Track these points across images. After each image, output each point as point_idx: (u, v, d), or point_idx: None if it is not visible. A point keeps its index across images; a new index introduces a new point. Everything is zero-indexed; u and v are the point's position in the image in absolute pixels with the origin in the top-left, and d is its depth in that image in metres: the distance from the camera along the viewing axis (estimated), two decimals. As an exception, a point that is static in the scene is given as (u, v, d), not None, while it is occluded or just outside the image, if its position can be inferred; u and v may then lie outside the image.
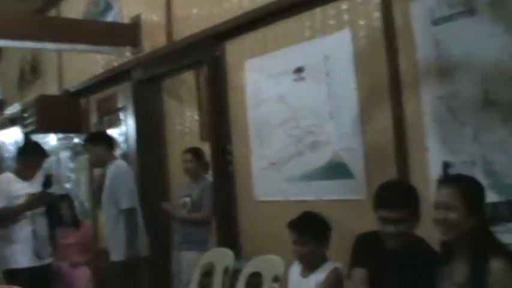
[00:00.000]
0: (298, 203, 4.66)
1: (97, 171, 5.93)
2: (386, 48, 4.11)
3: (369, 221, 3.42)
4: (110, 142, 5.70)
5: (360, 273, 3.27)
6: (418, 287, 2.95)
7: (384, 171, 4.01)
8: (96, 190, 5.61)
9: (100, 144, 5.56)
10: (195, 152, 5.76)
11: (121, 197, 5.31)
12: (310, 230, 3.70)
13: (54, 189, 5.76)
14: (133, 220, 5.35)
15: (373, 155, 4.23)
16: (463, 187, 2.68)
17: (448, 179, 2.78)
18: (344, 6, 4.45)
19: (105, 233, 5.55)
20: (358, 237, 3.43)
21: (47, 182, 5.46)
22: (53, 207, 5.62)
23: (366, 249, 3.34)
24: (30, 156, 5.59)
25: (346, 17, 4.44)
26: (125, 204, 5.30)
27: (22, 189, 5.39)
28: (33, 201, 5.34)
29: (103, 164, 5.58)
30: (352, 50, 4.37)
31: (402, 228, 3.09)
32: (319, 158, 4.60)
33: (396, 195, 3.20)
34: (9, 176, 5.61)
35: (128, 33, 6.83)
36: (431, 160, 3.86)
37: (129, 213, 5.32)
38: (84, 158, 7.70)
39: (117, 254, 5.28)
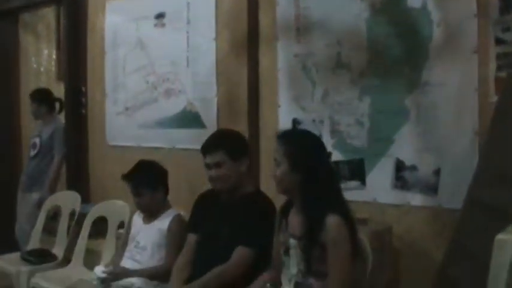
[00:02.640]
0: (150, 149, 4.66)
1: None
2: (248, 2, 4.13)
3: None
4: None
5: (191, 238, 3.36)
6: (254, 238, 3.02)
7: (236, 124, 4.05)
8: None
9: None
10: (34, 95, 5.54)
11: None
12: (144, 181, 3.69)
13: None
14: None
15: (226, 107, 4.26)
16: (288, 143, 2.73)
17: (278, 135, 2.82)
18: (208, -45, 4.42)
19: None
20: (198, 197, 3.48)
21: None
22: None
23: (202, 206, 3.41)
24: None
25: (210, -35, 4.41)
26: None
27: None
28: None
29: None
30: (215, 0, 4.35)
31: (222, 171, 3.18)
32: (174, 106, 4.60)
33: (211, 141, 3.31)
34: None
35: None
36: (282, 116, 3.97)
37: None
38: None
39: None
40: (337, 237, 2.52)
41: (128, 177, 3.73)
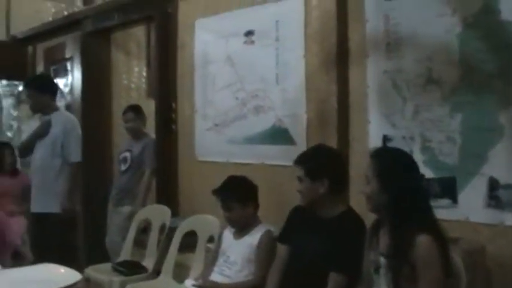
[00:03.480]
0: (239, 165, 4.70)
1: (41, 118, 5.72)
2: (337, 19, 4.13)
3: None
4: (54, 89, 5.57)
5: (281, 249, 3.42)
6: (346, 255, 3.01)
7: (325, 140, 4.04)
8: (34, 138, 5.42)
9: (44, 90, 5.39)
10: (136, 110, 5.67)
11: (71, 150, 5.23)
12: (233, 195, 3.76)
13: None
14: (78, 174, 5.30)
15: (315, 123, 4.26)
16: (380, 161, 2.72)
17: (371, 152, 2.81)
18: (298, -27, 4.45)
19: (37, 183, 5.39)
20: (292, 209, 3.50)
21: None
22: None
23: (295, 219, 3.44)
24: None
25: (300, -17, 4.44)
26: (74, 158, 5.24)
27: None
28: None
29: (43, 110, 5.45)
30: (304, 17, 4.38)
31: (300, 187, 3.27)
32: (263, 123, 4.63)
33: (301, 153, 3.40)
34: None
35: (80, -17, 6.73)
36: (372, 133, 3.94)
37: (76, 167, 5.26)
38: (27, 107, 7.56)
39: (54, 206, 5.19)
40: (427, 257, 2.50)
41: (218, 191, 3.81)
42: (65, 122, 5.32)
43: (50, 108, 5.39)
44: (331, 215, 3.23)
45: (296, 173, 3.29)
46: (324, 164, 3.28)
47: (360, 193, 2.81)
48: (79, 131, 5.44)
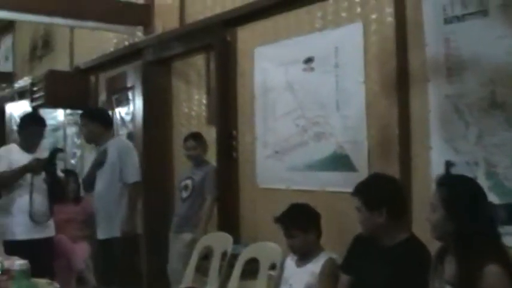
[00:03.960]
0: (300, 192, 4.70)
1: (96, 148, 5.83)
2: (396, 44, 4.12)
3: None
4: (108, 120, 5.69)
5: (344, 279, 3.41)
6: (410, 283, 2.97)
7: (387, 166, 4.02)
8: (94, 170, 5.54)
9: (98, 120, 5.51)
10: (197, 138, 5.75)
11: (127, 171, 5.30)
12: (295, 223, 3.75)
13: (60, 165, 5.68)
14: (138, 195, 5.39)
15: (376, 150, 4.24)
16: (446, 189, 2.68)
17: (437, 179, 2.77)
18: (357, -1, 4.46)
19: (100, 210, 5.43)
20: (354, 238, 3.48)
21: (51, 155, 5.37)
22: (57, 182, 5.55)
23: (358, 248, 3.41)
24: (26, 126, 5.52)
25: (358, 10, 4.45)
26: (132, 178, 5.31)
27: (25, 160, 5.30)
28: (32, 165, 5.22)
29: (97, 141, 5.55)
30: (363, 43, 4.37)
31: (359, 217, 3.26)
32: (323, 149, 4.62)
33: (359, 183, 3.37)
34: (12, 146, 5.61)
35: (140, 13, 6.85)
36: (434, 159, 3.87)
37: (135, 187, 5.34)
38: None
39: (117, 231, 5.27)
40: (495, 286, 2.45)
41: (280, 219, 3.81)
42: (119, 147, 5.41)
43: (103, 138, 5.48)
44: (393, 242, 3.19)
45: (355, 203, 3.27)
46: (380, 193, 3.25)
47: (426, 220, 2.77)
48: (134, 152, 5.50)
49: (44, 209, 5.39)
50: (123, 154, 5.34)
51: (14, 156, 5.38)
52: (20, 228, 5.27)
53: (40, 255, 4.71)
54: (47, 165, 5.28)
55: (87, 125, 5.52)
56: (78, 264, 6.44)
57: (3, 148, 5.68)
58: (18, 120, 6.02)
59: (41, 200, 5.36)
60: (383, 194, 3.25)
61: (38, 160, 5.26)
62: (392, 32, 4.15)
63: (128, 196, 5.28)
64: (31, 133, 5.47)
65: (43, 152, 5.53)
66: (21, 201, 5.29)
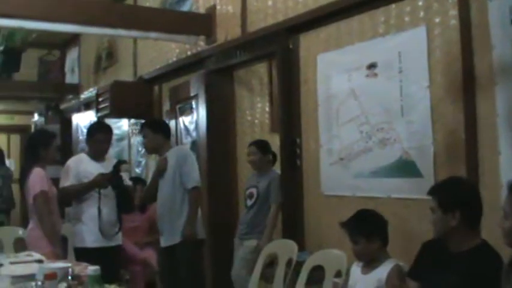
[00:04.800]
0: (365, 199, 4.67)
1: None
2: (462, 47, 4.06)
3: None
4: (169, 131, 5.76)
5: (412, 286, 3.37)
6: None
7: (454, 172, 3.96)
8: (155, 178, 5.63)
9: (159, 131, 5.59)
10: (260, 145, 5.77)
11: (187, 177, 5.36)
12: (360, 229, 3.71)
13: (125, 175, 5.75)
14: (198, 200, 5.43)
15: (443, 155, 4.18)
16: None
17: (509, 185, 2.70)
18: (420, 2, 4.41)
19: (163, 217, 5.51)
20: (422, 244, 3.43)
21: (115, 168, 5.46)
22: (125, 193, 5.63)
23: (427, 254, 3.36)
24: (93, 134, 5.62)
25: (421, 13, 4.39)
26: (191, 184, 5.36)
27: (93, 169, 5.44)
28: (97, 181, 5.37)
29: (157, 151, 5.66)
30: (427, 47, 4.32)
31: (432, 218, 3.22)
32: (388, 155, 4.57)
33: (434, 186, 3.35)
34: (82, 156, 5.72)
35: (202, 23, 6.91)
36: (503, 164, 3.78)
37: (194, 192, 5.38)
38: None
39: (179, 237, 5.34)
40: None
41: (345, 224, 3.79)
42: (177, 154, 5.48)
43: (164, 148, 5.57)
44: (464, 248, 3.14)
45: (430, 203, 3.23)
46: (457, 196, 3.19)
47: (498, 227, 2.72)
48: (192, 157, 5.56)
49: (112, 220, 5.51)
50: (181, 160, 5.41)
51: (83, 166, 5.50)
52: (91, 237, 5.40)
53: (109, 262, 4.80)
54: (112, 178, 5.39)
55: (149, 135, 5.62)
56: (148, 271, 6.53)
57: (73, 158, 5.81)
58: (85, 130, 6.12)
59: (109, 211, 5.47)
60: (459, 196, 3.20)
61: (102, 175, 5.38)
62: (457, 35, 4.09)
63: (188, 201, 5.35)
64: (98, 141, 5.59)
65: (111, 160, 5.65)
66: (91, 211, 5.41)
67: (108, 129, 5.80)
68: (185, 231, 5.30)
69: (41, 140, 5.46)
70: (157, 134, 5.57)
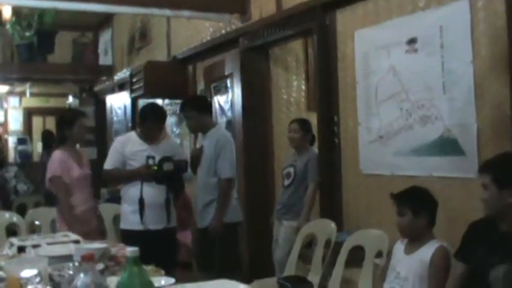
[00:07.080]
0: (405, 178, 4.55)
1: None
2: (507, 19, 3.89)
3: (479, 200, 3.29)
4: (210, 108, 5.69)
5: (459, 267, 3.29)
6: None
7: (498, 150, 3.80)
8: (195, 158, 5.57)
9: (203, 110, 5.54)
10: (303, 123, 5.73)
11: (222, 166, 5.33)
12: (409, 201, 3.63)
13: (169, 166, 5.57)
14: (229, 191, 5.39)
15: (486, 132, 4.05)
16: None
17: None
18: (462, -25, 4.26)
19: (200, 201, 5.50)
20: (470, 224, 3.33)
21: (159, 166, 5.32)
22: (173, 179, 5.50)
23: (475, 235, 3.26)
24: (145, 121, 5.47)
25: (464, -15, 4.25)
26: (224, 174, 5.33)
27: (141, 150, 5.35)
28: (140, 174, 5.28)
29: (203, 129, 5.59)
30: (470, 21, 4.16)
31: (485, 196, 3.10)
32: (430, 133, 4.45)
33: (486, 160, 3.22)
34: (131, 135, 5.63)
35: (236, 1, 6.81)
36: (552, 141, 3.67)
37: (226, 183, 5.35)
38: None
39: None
40: None
41: (395, 195, 3.71)
42: (218, 139, 5.43)
43: (208, 127, 5.53)
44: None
45: (481, 179, 3.11)
46: None
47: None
48: (232, 147, 5.49)
49: (157, 203, 5.34)
50: (220, 147, 5.37)
51: (129, 147, 5.41)
52: (132, 219, 5.32)
53: (148, 246, 4.75)
54: (156, 175, 5.32)
55: (193, 115, 5.53)
56: (183, 251, 6.50)
57: (120, 138, 5.77)
58: (139, 112, 5.97)
59: (153, 194, 5.34)
60: None
61: (148, 167, 5.30)
62: (502, 6, 3.93)
63: (219, 191, 5.32)
64: (148, 128, 5.45)
65: (168, 141, 5.69)
66: (134, 193, 5.31)
67: (161, 117, 5.62)
68: (212, 223, 5.32)
69: (65, 118, 5.44)
70: (202, 113, 5.52)
